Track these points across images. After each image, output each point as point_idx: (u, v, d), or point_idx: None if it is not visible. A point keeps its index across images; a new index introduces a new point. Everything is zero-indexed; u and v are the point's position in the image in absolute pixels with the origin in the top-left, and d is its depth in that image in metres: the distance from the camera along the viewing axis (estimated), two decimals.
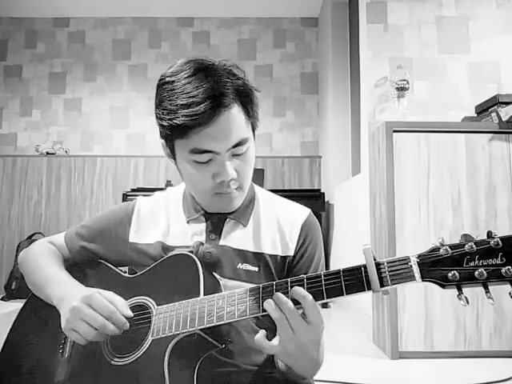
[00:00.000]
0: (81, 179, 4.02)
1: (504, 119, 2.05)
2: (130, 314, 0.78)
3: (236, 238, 0.88)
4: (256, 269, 0.85)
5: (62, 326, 0.77)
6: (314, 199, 3.48)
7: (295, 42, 4.47)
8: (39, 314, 0.89)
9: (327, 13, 3.89)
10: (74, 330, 0.76)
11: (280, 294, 0.67)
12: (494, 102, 2.16)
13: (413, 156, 2.05)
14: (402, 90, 2.28)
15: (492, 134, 2.05)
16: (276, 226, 0.90)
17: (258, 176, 3.53)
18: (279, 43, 4.47)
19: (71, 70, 4.45)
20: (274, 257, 0.87)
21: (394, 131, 2.06)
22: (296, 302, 0.67)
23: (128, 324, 0.77)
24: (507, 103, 2.10)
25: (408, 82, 2.28)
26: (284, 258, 0.87)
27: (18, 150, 4.34)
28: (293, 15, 4.46)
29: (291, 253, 0.88)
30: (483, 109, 2.25)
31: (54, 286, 0.84)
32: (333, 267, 3.52)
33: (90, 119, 4.38)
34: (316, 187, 4.10)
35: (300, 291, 0.66)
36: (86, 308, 0.75)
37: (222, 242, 0.87)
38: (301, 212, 0.93)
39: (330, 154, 3.80)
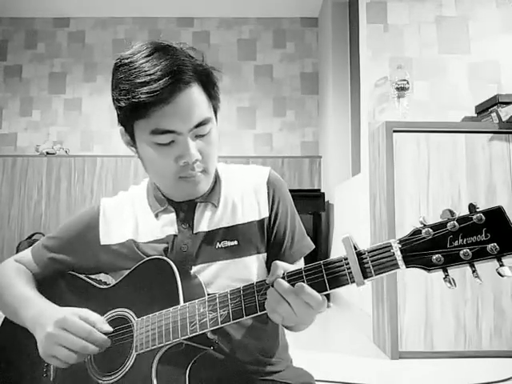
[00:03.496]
0: (81, 179, 4.02)
1: (504, 119, 2.05)
2: (109, 329, 0.76)
3: (209, 220, 0.85)
4: (235, 242, 0.83)
5: (40, 353, 0.75)
6: (314, 199, 3.48)
7: (295, 42, 4.47)
8: (18, 336, 0.84)
9: (327, 13, 3.89)
10: (53, 357, 0.74)
11: (282, 282, 0.65)
12: (494, 102, 2.16)
13: (413, 156, 2.05)
14: (401, 89, 2.28)
15: (492, 134, 2.05)
16: (244, 194, 0.87)
17: None
18: (279, 43, 4.47)
19: (71, 69, 4.45)
20: (250, 224, 0.84)
21: (394, 131, 2.06)
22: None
23: (109, 341, 0.75)
24: (507, 103, 2.10)
25: (408, 82, 2.28)
26: (261, 221, 0.85)
27: (17, 150, 4.34)
28: (293, 15, 4.45)
29: (266, 214, 0.85)
30: (483, 109, 2.25)
31: (25, 308, 0.81)
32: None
33: (90, 119, 4.38)
34: (316, 187, 4.09)
35: (284, 285, 0.65)
36: (61, 332, 0.73)
37: (196, 230, 0.84)
38: (262, 172, 0.90)
39: (329, 153, 3.80)
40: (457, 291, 1.97)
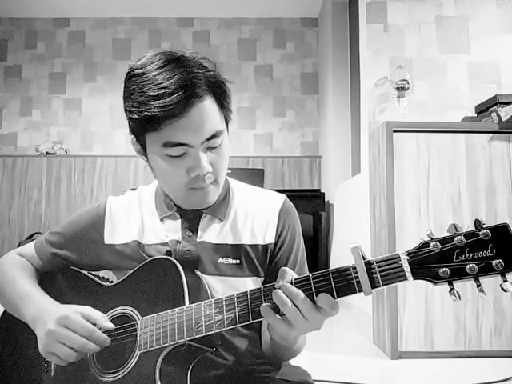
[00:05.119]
0: (81, 179, 4.02)
1: (504, 119, 2.05)
2: (111, 326, 0.76)
3: (214, 232, 0.85)
4: (237, 261, 0.83)
5: (40, 350, 0.75)
6: (314, 199, 3.48)
7: (295, 42, 4.48)
8: (19, 331, 0.84)
9: (327, 13, 3.89)
10: (53, 354, 0.74)
11: (289, 286, 0.65)
12: (494, 102, 2.16)
13: (413, 156, 2.05)
14: (402, 90, 2.28)
15: (492, 134, 2.05)
16: (253, 217, 0.87)
17: (258, 176, 3.53)
18: (279, 43, 4.47)
19: (71, 69, 4.45)
20: (254, 247, 0.84)
21: (394, 131, 2.06)
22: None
23: (109, 340, 0.75)
24: (507, 103, 2.10)
25: (408, 82, 2.28)
26: (265, 246, 0.85)
27: (18, 150, 4.34)
28: (293, 15, 4.46)
29: (272, 240, 0.85)
30: (483, 109, 2.25)
31: (26, 304, 0.80)
32: (333, 267, 3.52)
33: (90, 119, 4.38)
34: (316, 187, 4.10)
35: (292, 289, 0.64)
36: (62, 330, 0.73)
37: (199, 239, 0.84)
38: (276, 199, 0.91)
39: (329, 154, 3.80)
40: None
